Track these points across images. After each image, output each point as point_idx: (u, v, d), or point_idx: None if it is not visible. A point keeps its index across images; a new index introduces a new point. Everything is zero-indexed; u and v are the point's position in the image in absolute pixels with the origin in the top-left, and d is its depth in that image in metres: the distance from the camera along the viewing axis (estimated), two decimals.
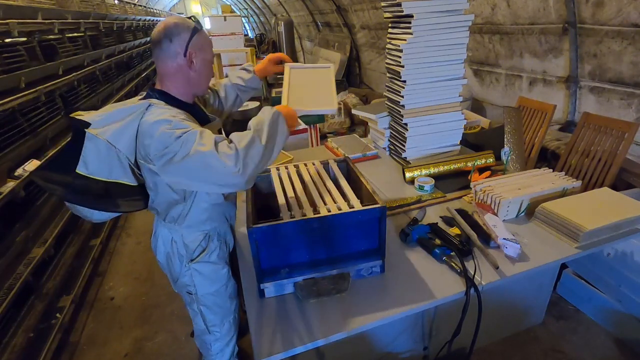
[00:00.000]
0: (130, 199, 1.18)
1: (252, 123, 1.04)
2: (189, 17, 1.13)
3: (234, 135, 1.01)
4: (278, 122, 1.06)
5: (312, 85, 1.34)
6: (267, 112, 1.07)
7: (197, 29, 1.11)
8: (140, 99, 1.12)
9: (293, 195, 1.21)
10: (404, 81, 1.80)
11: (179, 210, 1.20)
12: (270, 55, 1.52)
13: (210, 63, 1.18)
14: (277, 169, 1.38)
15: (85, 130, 1.02)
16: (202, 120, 1.19)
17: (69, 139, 1.08)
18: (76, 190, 1.07)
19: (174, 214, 1.21)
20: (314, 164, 1.41)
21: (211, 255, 1.29)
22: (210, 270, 1.30)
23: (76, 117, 1.05)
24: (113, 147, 1.04)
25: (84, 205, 1.11)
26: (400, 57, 1.76)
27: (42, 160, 2.35)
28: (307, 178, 1.32)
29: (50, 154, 2.46)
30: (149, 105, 1.06)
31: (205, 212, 1.23)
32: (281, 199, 1.18)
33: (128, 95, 4.85)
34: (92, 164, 1.05)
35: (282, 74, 1.42)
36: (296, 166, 1.40)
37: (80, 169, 1.05)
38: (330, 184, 1.26)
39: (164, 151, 0.97)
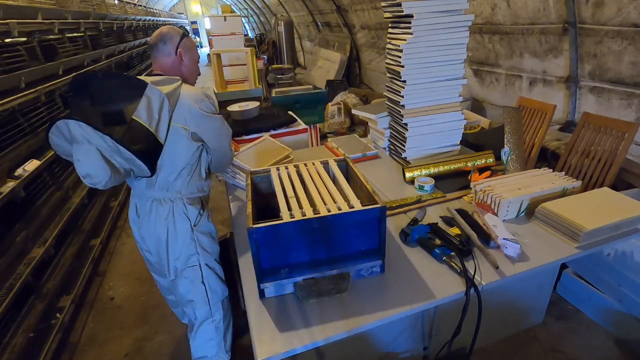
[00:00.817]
0: (149, 154, 1.24)
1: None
2: (179, 27, 1.36)
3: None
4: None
5: None
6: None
7: (185, 34, 1.47)
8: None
9: (293, 195, 1.21)
10: (404, 81, 1.81)
11: (184, 175, 1.41)
12: None
13: (195, 61, 1.52)
14: (277, 169, 1.38)
15: (147, 84, 1.22)
16: None
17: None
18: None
19: (177, 185, 1.41)
20: (313, 164, 1.41)
21: (205, 218, 1.51)
22: (209, 230, 1.53)
23: (140, 77, 1.28)
24: (164, 102, 1.24)
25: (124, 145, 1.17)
26: (400, 57, 1.76)
27: (42, 160, 2.35)
28: (307, 178, 1.32)
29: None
30: (179, 81, 1.36)
31: (200, 180, 1.48)
32: (281, 199, 1.18)
33: None
34: (143, 113, 1.19)
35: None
36: (296, 166, 1.40)
37: (136, 115, 1.18)
38: (331, 184, 1.26)
39: (209, 114, 1.37)
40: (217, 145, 1.46)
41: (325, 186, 1.25)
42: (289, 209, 1.13)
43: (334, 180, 1.31)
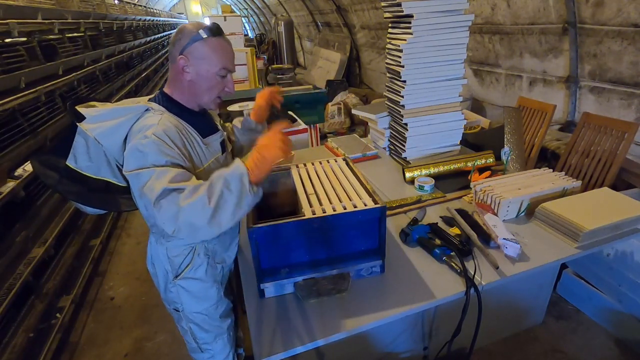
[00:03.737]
0: (129, 197, 1.14)
1: (214, 179, 0.92)
2: (212, 23, 1.08)
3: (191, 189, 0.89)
4: (243, 189, 0.91)
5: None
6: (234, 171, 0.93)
7: (199, 36, 1.03)
8: (149, 100, 1.10)
9: (313, 192, 1.20)
10: (404, 81, 1.80)
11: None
12: (261, 94, 1.42)
13: (211, 75, 1.06)
14: (297, 166, 1.37)
15: (77, 123, 1.01)
16: (206, 130, 1.15)
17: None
18: (71, 180, 1.06)
19: (157, 227, 1.13)
20: (328, 162, 1.41)
21: (197, 271, 1.18)
22: (198, 288, 1.20)
23: (80, 108, 1.03)
24: (100, 145, 1.02)
25: (78, 201, 1.09)
26: (400, 57, 1.76)
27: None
28: (322, 176, 1.31)
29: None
30: (147, 110, 1.03)
31: None
32: (302, 196, 1.17)
33: (128, 95, 4.85)
34: (81, 159, 1.05)
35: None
36: (313, 164, 1.40)
37: (69, 162, 1.05)
38: (346, 182, 1.25)
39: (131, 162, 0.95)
40: (142, 210, 1.07)
41: (341, 184, 1.25)
42: (310, 205, 1.13)
43: (347, 178, 1.30)
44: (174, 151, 0.97)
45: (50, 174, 1.06)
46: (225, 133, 1.26)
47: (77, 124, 1.00)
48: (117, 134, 1.01)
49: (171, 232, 0.88)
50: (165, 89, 1.12)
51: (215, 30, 1.06)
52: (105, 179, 1.09)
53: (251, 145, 1.34)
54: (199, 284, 1.20)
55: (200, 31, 1.04)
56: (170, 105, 1.09)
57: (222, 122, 1.36)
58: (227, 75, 1.10)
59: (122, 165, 1.03)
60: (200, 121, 1.15)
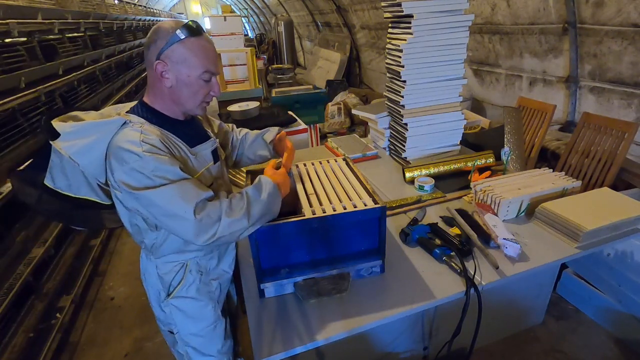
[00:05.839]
0: (114, 212, 1.06)
1: (250, 195, 0.98)
2: (189, 21, 0.97)
3: (225, 202, 0.94)
4: (274, 203, 1.01)
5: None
6: (267, 188, 1.00)
7: (177, 37, 0.92)
8: (127, 112, 1.01)
9: (313, 192, 1.20)
10: (404, 81, 1.81)
11: (152, 238, 1.05)
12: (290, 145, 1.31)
13: (192, 80, 0.96)
14: (297, 166, 1.37)
15: (51, 142, 0.91)
16: (194, 139, 1.06)
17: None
18: (52, 196, 1.00)
19: (147, 242, 1.06)
20: (328, 162, 1.41)
21: (189, 289, 1.12)
22: (191, 307, 1.13)
23: (56, 122, 0.92)
24: (77, 164, 0.92)
25: (61, 220, 1.06)
26: (400, 57, 1.76)
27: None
28: (322, 175, 1.31)
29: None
30: (124, 123, 0.92)
31: (182, 243, 1.07)
32: (302, 196, 1.17)
33: (128, 95, 4.85)
34: (58, 178, 0.98)
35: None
36: (313, 164, 1.40)
37: (47, 181, 0.98)
38: (346, 181, 1.26)
39: (133, 184, 0.89)
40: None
41: (341, 184, 1.25)
42: (310, 205, 1.12)
43: (347, 178, 1.30)
44: (173, 159, 0.93)
45: (29, 191, 1.01)
46: (217, 140, 1.16)
47: (51, 142, 0.90)
48: (94, 152, 0.91)
49: (204, 239, 0.91)
50: (145, 99, 1.02)
51: (194, 30, 0.95)
52: (87, 198, 1.02)
53: (249, 160, 1.37)
54: (192, 302, 1.13)
55: (178, 31, 0.92)
56: (151, 115, 0.99)
57: (216, 125, 1.29)
58: (210, 78, 1.00)
59: (104, 184, 0.98)
60: (187, 130, 1.05)
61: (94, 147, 0.90)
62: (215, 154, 1.13)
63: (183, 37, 0.93)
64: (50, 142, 0.90)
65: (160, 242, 1.06)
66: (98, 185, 1.01)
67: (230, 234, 0.93)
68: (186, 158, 1.01)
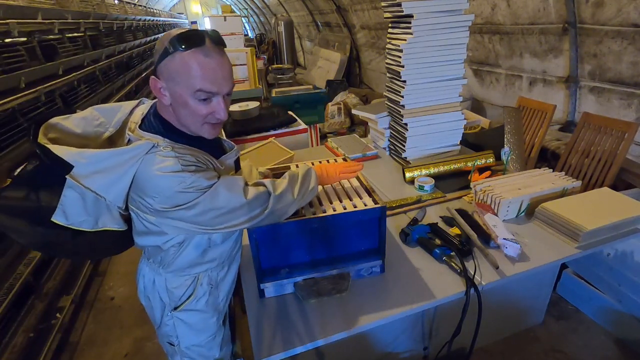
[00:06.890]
0: (119, 240, 1.02)
1: (287, 175, 1.03)
2: (187, 30, 0.85)
3: (269, 182, 0.96)
4: (310, 179, 1.06)
5: None
6: (302, 168, 1.08)
7: (167, 50, 0.81)
8: (141, 127, 0.93)
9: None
10: (404, 81, 1.81)
11: (169, 254, 1.01)
12: None
13: (185, 100, 0.84)
14: (297, 166, 1.37)
15: (67, 176, 0.80)
16: (216, 150, 1.02)
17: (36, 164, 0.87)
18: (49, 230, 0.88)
19: (160, 258, 1.02)
20: (328, 162, 1.40)
21: (198, 302, 1.07)
22: (197, 320, 1.09)
23: (47, 145, 0.80)
24: (102, 198, 0.84)
25: (62, 256, 0.98)
26: (400, 57, 1.76)
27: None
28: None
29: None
30: (152, 148, 0.84)
31: (198, 256, 1.03)
32: None
33: (128, 95, 4.85)
34: (75, 215, 0.86)
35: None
36: (313, 164, 1.39)
37: (58, 219, 0.85)
38: (346, 182, 1.26)
39: (180, 205, 0.84)
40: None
41: (341, 183, 1.25)
42: (310, 205, 1.13)
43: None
44: (208, 170, 0.90)
45: (19, 224, 0.87)
46: (239, 151, 1.14)
47: (67, 176, 0.80)
48: (121, 183, 0.83)
49: (260, 213, 0.94)
50: (159, 111, 0.93)
51: (190, 40, 0.81)
52: (104, 229, 0.92)
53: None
54: (198, 315, 1.09)
55: (167, 43, 0.81)
56: (172, 134, 0.91)
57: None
58: (210, 98, 0.86)
59: (124, 209, 0.92)
60: (209, 142, 0.98)
61: (121, 178, 0.83)
62: (237, 163, 1.11)
63: (172, 50, 0.81)
64: (67, 176, 0.80)
65: (172, 257, 1.01)
66: (118, 211, 0.93)
67: (279, 209, 0.96)
68: (217, 170, 0.98)
